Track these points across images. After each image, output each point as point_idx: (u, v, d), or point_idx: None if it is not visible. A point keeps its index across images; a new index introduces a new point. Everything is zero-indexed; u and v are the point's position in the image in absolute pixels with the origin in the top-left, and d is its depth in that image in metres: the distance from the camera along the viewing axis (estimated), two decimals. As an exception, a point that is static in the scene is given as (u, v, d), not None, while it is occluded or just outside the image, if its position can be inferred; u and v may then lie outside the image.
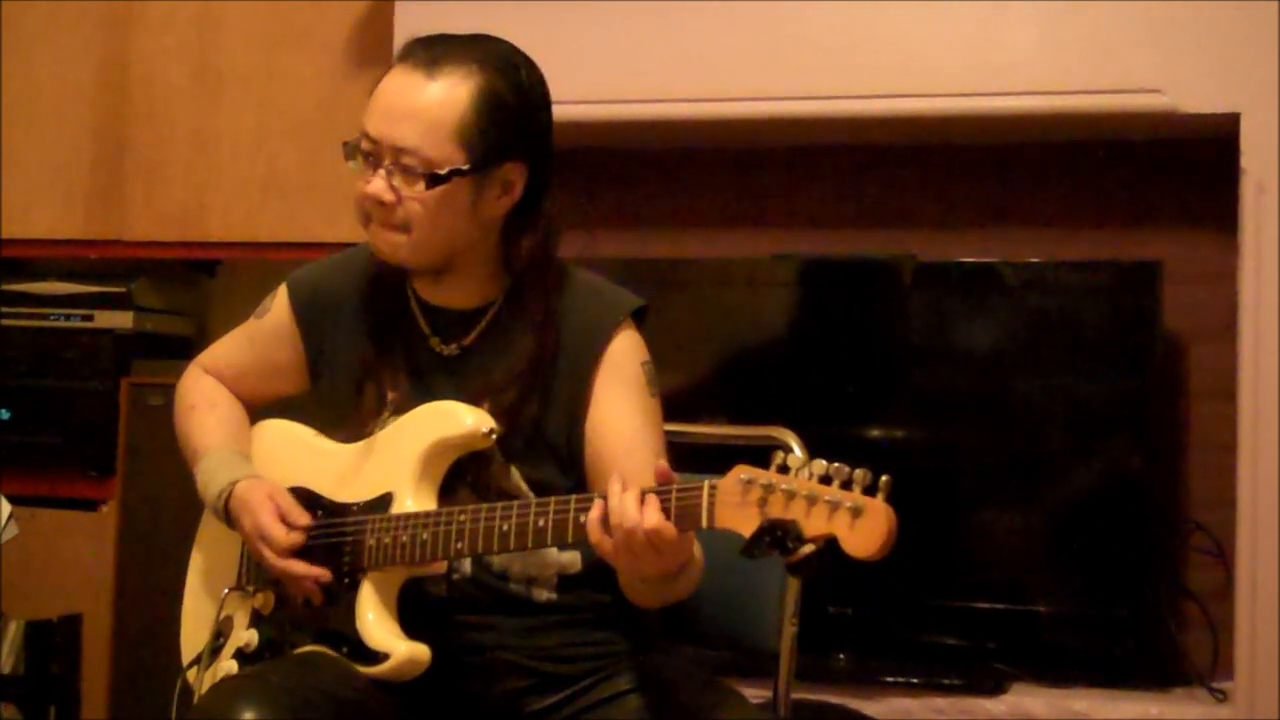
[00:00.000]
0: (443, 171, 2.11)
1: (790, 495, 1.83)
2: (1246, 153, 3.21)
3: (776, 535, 1.82)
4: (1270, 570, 3.15)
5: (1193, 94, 3.25)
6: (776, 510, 1.84)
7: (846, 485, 1.81)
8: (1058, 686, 3.31)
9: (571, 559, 2.19)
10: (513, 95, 2.15)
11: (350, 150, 2.15)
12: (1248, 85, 3.21)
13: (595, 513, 1.97)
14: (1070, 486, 3.45)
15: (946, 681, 3.31)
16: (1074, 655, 3.38)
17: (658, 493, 1.93)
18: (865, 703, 3.25)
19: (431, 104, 2.11)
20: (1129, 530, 3.35)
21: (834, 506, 1.80)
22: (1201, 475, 3.49)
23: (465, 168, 2.12)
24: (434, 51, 2.13)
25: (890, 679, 3.34)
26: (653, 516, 1.92)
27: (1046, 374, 3.46)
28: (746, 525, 1.86)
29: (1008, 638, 3.42)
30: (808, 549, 1.81)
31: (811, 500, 1.82)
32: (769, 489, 1.85)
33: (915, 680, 3.33)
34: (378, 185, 2.12)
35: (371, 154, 2.13)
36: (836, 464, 1.83)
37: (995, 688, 3.29)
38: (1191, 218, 3.52)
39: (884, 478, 1.81)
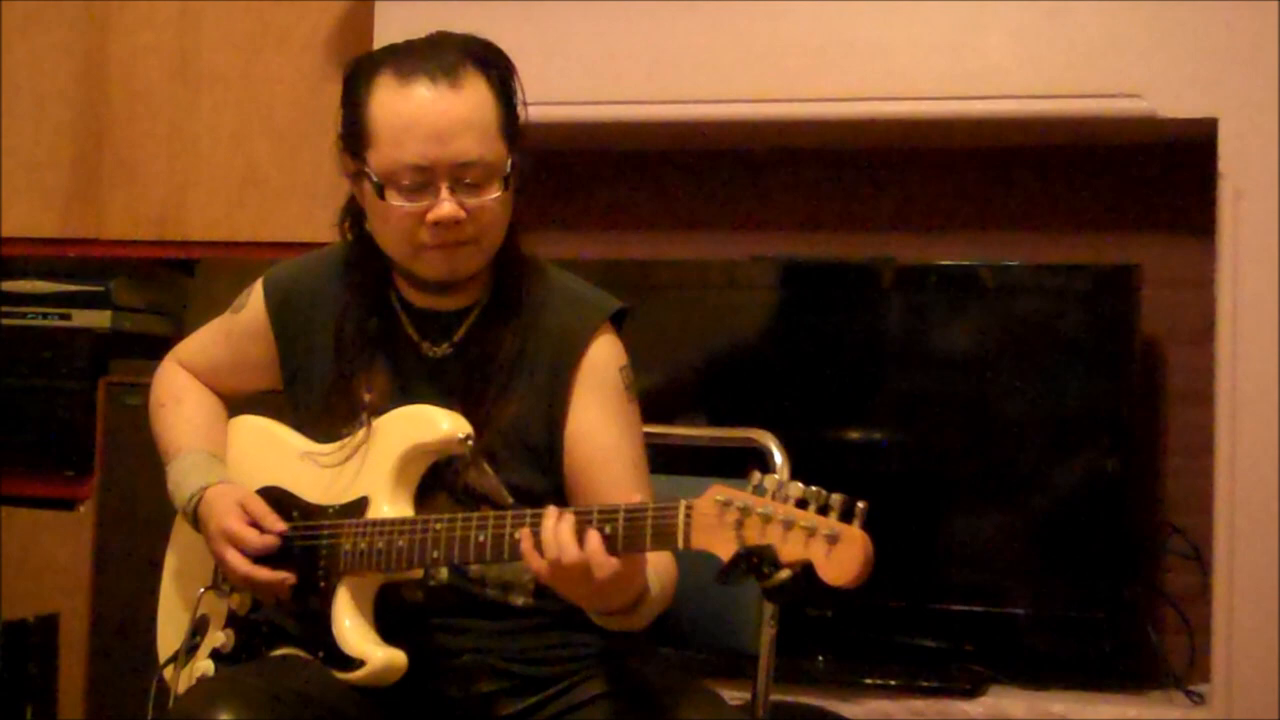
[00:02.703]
0: (507, 171, 2.13)
1: (767, 519, 1.82)
2: (1224, 157, 3.21)
3: (752, 562, 1.81)
4: (1247, 573, 3.16)
5: (1171, 99, 3.25)
6: (753, 533, 1.83)
7: (823, 510, 1.81)
8: (1035, 688, 3.31)
9: (549, 564, 2.19)
10: (510, 79, 2.17)
11: (380, 190, 2.12)
12: (1226, 90, 3.22)
13: (527, 543, 1.97)
14: (1048, 489, 3.46)
15: (925, 683, 3.32)
16: (1052, 657, 3.39)
17: (598, 516, 1.93)
18: (844, 704, 3.26)
19: (472, 112, 2.11)
20: (1106, 533, 3.36)
21: (810, 532, 1.80)
22: (1179, 479, 3.50)
23: (515, 159, 2.14)
24: (436, 62, 2.12)
25: (869, 681, 3.34)
26: (593, 544, 1.92)
27: (1025, 377, 3.46)
28: (723, 547, 1.85)
29: (986, 640, 3.42)
30: (784, 575, 1.80)
31: (788, 525, 1.81)
32: (745, 511, 1.84)
33: (894, 682, 3.33)
34: (451, 207, 2.10)
35: (422, 182, 2.10)
36: (814, 487, 1.82)
37: (973, 690, 3.29)
38: (1170, 222, 3.53)
39: (860, 504, 1.80)
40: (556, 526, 1.94)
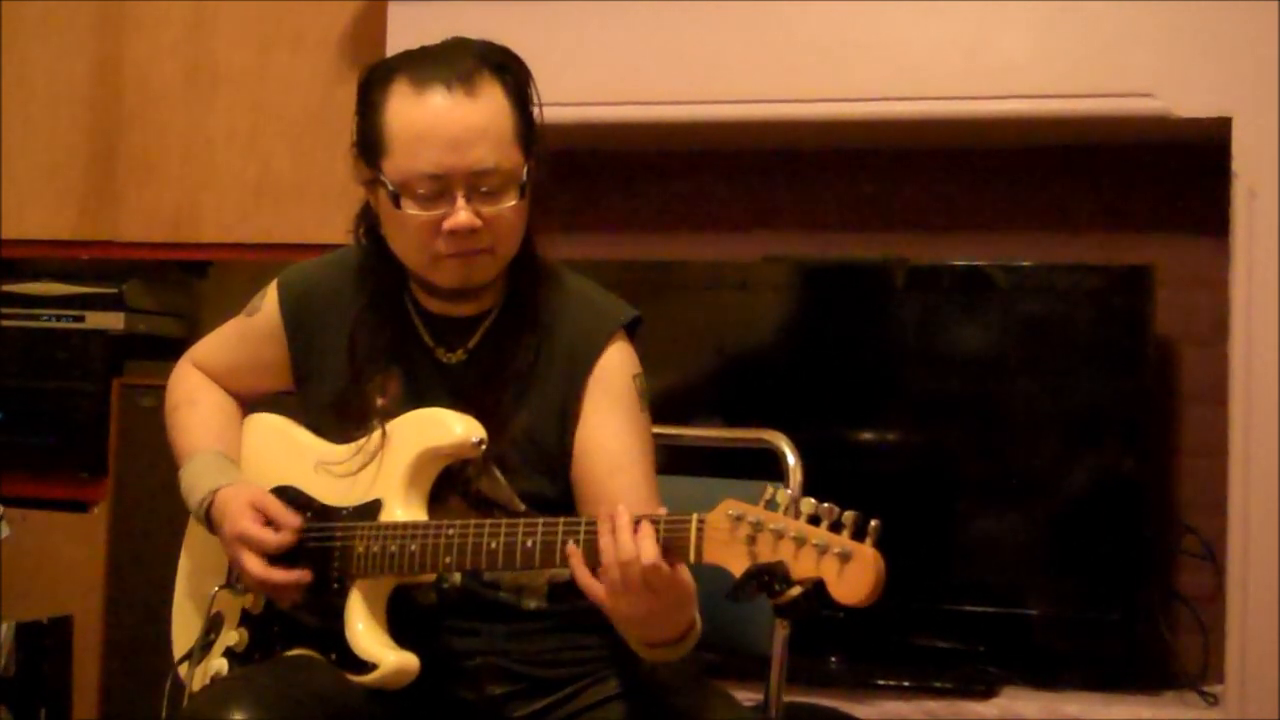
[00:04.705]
0: (524, 179, 2.12)
1: (779, 535, 1.82)
2: (1238, 157, 3.21)
3: (764, 579, 1.80)
4: (1261, 574, 3.16)
5: (1185, 98, 3.25)
6: (765, 549, 1.82)
7: (835, 527, 1.80)
8: (1049, 690, 3.31)
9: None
10: (527, 86, 2.16)
11: (395, 198, 2.10)
12: (1240, 89, 3.22)
13: (577, 560, 1.96)
14: (1062, 490, 3.45)
15: (938, 684, 3.32)
16: (1065, 658, 3.38)
17: (652, 520, 1.91)
18: (857, 705, 3.26)
19: (489, 120, 2.09)
20: (1121, 533, 3.35)
21: (823, 550, 1.79)
22: (1193, 479, 3.49)
23: (531, 166, 2.13)
24: (452, 69, 2.10)
25: (882, 682, 3.34)
26: (649, 549, 1.90)
27: (1039, 378, 3.46)
28: (734, 562, 1.84)
29: (999, 641, 3.42)
30: (795, 592, 1.80)
31: (800, 542, 1.80)
32: (758, 526, 1.83)
33: (907, 683, 3.33)
34: (467, 216, 2.08)
35: (438, 191, 2.09)
36: (826, 504, 1.81)
37: (987, 691, 3.29)
38: (1183, 222, 3.52)
39: (873, 522, 1.79)
40: (629, 531, 1.91)
